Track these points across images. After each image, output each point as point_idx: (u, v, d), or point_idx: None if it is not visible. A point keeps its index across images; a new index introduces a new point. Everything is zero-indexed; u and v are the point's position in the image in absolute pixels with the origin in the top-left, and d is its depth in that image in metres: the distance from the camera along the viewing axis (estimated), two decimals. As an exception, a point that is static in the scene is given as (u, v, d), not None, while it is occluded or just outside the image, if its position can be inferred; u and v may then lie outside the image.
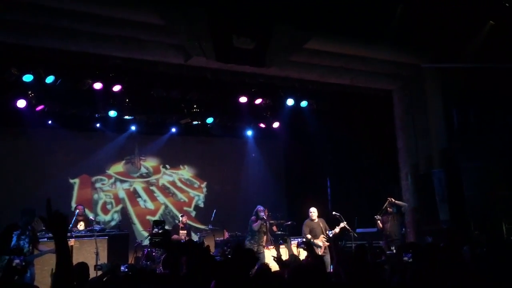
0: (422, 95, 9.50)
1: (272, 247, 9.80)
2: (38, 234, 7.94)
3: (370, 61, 9.12)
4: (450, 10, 8.32)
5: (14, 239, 7.30)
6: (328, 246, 8.67)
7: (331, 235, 9.00)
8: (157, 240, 2.91)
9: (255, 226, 9.05)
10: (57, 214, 2.40)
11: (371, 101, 10.60)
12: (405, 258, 6.29)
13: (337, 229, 9.01)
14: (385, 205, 9.18)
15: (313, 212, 9.11)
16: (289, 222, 11.18)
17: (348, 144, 11.98)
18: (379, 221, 9.15)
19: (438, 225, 8.62)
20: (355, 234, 9.15)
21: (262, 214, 9.19)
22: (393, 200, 9.11)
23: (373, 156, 10.96)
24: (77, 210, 9.81)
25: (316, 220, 9.08)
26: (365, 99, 10.61)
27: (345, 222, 9.07)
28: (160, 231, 2.95)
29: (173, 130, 12.57)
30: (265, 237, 9.24)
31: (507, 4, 8.18)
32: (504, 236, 8.26)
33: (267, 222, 9.37)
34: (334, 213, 9.36)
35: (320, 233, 8.97)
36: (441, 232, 8.39)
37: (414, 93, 9.68)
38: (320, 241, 8.83)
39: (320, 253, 8.48)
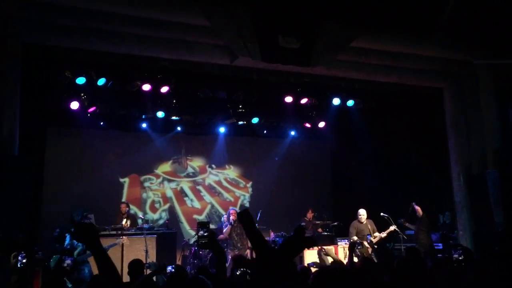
0: (475, 92, 9.12)
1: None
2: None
3: (420, 58, 8.85)
4: (504, 2, 7.96)
5: (68, 238, 7.57)
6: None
7: (373, 240, 8.86)
8: (203, 241, 2.96)
9: (225, 232, 9.23)
10: (83, 225, 2.45)
11: (420, 99, 10.30)
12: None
13: (383, 234, 8.86)
14: (410, 209, 9.14)
15: (362, 214, 9.01)
16: (335, 223, 11.05)
17: (396, 143, 11.70)
18: (407, 224, 9.15)
19: (493, 228, 8.28)
20: (404, 236, 8.95)
21: (231, 218, 9.29)
22: (414, 204, 9.08)
23: (422, 155, 10.66)
24: (121, 208, 10.09)
25: (365, 222, 8.96)
26: (414, 97, 10.32)
27: (394, 225, 8.90)
28: (205, 233, 3.00)
29: (219, 130, 12.69)
30: (241, 240, 9.20)
31: None
32: None
33: (237, 225, 9.35)
34: (382, 214, 9.21)
35: (367, 234, 8.86)
36: (497, 235, 8.05)
37: (467, 90, 9.32)
38: (366, 243, 8.72)
39: (366, 255, 8.38)
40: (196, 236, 9.65)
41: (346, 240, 9.51)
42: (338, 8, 7.91)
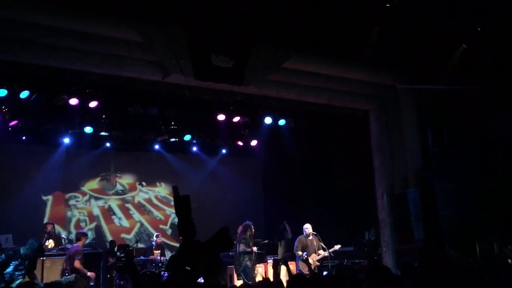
0: (398, 115, 9.64)
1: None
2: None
3: (348, 81, 9.24)
4: (425, 33, 8.54)
5: (11, 268, 7.07)
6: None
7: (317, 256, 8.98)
8: (120, 265, 2.86)
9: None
10: None
11: (349, 120, 10.71)
12: None
13: (326, 253, 8.98)
14: (281, 226, 9.45)
15: (308, 228, 9.08)
16: (266, 241, 11.12)
17: (326, 162, 12.04)
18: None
19: (413, 244, 8.69)
20: (331, 254, 9.14)
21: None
22: (285, 223, 9.39)
23: (350, 175, 11.04)
24: (48, 228, 9.55)
25: (310, 237, 9.05)
26: (343, 118, 10.72)
27: (339, 245, 9.07)
28: (122, 255, 2.90)
29: (150, 147, 12.45)
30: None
31: (479, 29, 8.44)
32: (478, 256, 8.38)
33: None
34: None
35: (313, 250, 8.95)
36: (416, 251, 8.45)
37: (390, 113, 9.82)
38: (311, 259, 8.82)
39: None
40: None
41: (275, 257, 9.58)
42: (271, 30, 8.12)
